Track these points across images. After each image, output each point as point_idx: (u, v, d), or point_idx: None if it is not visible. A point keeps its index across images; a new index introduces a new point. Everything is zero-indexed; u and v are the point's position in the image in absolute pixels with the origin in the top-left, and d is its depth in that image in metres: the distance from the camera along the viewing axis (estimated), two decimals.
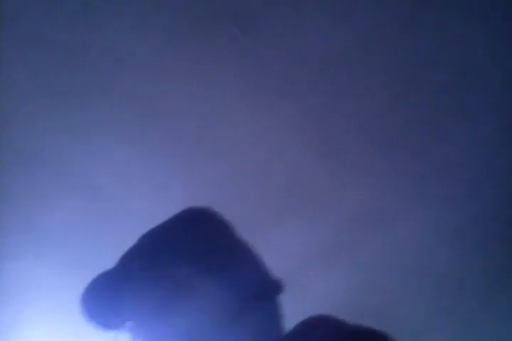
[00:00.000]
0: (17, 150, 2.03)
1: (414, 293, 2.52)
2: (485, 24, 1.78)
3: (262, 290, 1.00)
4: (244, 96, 1.94)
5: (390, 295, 2.49)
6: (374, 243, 2.33)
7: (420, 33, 1.80)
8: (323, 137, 2.05)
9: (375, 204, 2.23)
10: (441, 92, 1.95)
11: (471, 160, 2.11)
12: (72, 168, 2.08)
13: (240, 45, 1.80)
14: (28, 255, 2.30)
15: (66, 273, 2.36)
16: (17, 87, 1.87)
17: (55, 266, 2.34)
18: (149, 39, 1.78)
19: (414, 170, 2.15)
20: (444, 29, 1.79)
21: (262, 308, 0.99)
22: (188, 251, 1.01)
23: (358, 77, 1.90)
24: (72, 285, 2.37)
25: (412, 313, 2.47)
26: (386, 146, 2.08)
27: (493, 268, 2.45)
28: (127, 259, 1.05)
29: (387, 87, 1.93)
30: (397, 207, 2.24)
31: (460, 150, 2.09)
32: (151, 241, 1.05)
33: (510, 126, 2.04)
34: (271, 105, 1.96)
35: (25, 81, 1.86)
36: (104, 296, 1.02)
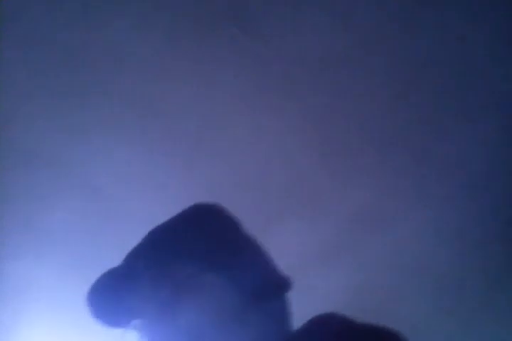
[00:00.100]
0: (17, 150, 2.03)
1: (414, 293, 2.52)
2: (485, 24, 1.78)
3: (270, 288, 1.00)
4: (244, 96, 1.94)
5: (390, 295, 2.49)
6: (374, 243, 2.33)
7: (420, 33, 1.80)
8: (323, 137, 2.05)
9: (375, 204, 2.23)
10: (441, 92, 1.95)
11: (471, 160, 2.11)
12: (72, 168, 2.08)
13: (240, 45, 1.80)
14: (28, 255, 2.30)
15: (66, 273, 2.36)
16: (17, 87, 1.87)
17: (55, 266, 2.34)
18: (149, 39, 1.78)
19: (414, 170, 2.15)
20: (444, 29, 1.79)
21: (269, 306, 0.99)
22: (193, 249, 1.00)
23: (358, 77, 1.90)
24: (72, 285, 2.38)
25: (412, 313, 2.47)
26: (386, 146, 2.08)
27: (493, 268, 2.46)
28: (132, 258, 1.05)
29: (387, 87, 1.93)
30: (397, 207, 2.24)
31: (460, 150, 2.09)
32: (156, 239, 1.05)
33: (510, 126, 2.04)
34: (271, 105, 1.96)
35: (25, 81, 1.86)
36: (110, 295, 1.02)
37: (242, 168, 2.11)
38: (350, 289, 2.40)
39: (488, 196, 2.23)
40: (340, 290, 2.39)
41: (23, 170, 2.07)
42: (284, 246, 2.11)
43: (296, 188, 2.18)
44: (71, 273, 2.34)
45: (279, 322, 1.00)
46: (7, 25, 1.72)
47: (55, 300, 2.46)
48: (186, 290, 0.97)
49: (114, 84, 1.87)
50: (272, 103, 1.96)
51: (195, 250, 1.00)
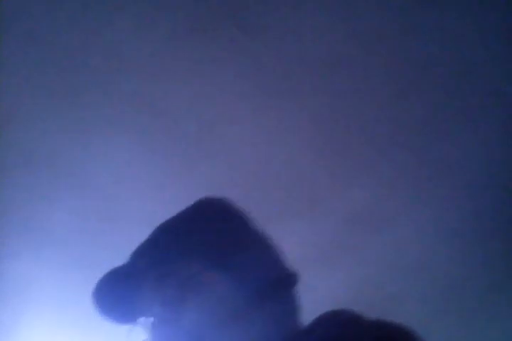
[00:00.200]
0: (17, 150, 2.03)
1: (414, 293, 2.52)
2: (485, 24, 1.78)
3: (276, 283, 0.99)
4: (244, 96, 1.94)
5: (390, 294, 2.49)
6: (374, 243, 2.33)
7: (420, 33, 1.80)
8: (323, 137, 2.05)
9: (375, 204, 2.23)
10: (441, 92, 1.95)
11: (471, 160, 2.12)
12: (72, 168, 2.08)
13: (240, 45, 1.80)
14: (28, 255, 2.30)
15: (66, 273, 2.36)
16: (17, 87, 1.87)
17: (55, 266, 2.34)
18: (149, 39, 1.78)
19: (414, 170, 2.15)
20: (444, 29, 1.79)
21: (276, 301, 0.98)
22: (198, 246, 1.00)
23: (358, 77, 1.90)
24: (71, 285, 2.38)
25: (412, 313, 2.47)
26: (386, 146, 2.08)
27: (493, 267, 2.46)
28: (137, 256, 1.05)
29: (387, 87, 1.93)
30: (397, 207, 2.24)
31: (460, 150, 2.09)
32: (161, 237, 1.05)
33: (510, 126, 2.04)
34: (271, 105, 1.96)
35: (25, 81, 1.86)
36: (115, 292, 1.02)
37: (242, 168, 2.11)
38: (350, 289, 2.40)
39: (488, 196, 2.23)
40: (340, 290, 2.39)
41: (23, 170, 2.07)
42: (283, 246, 2.11)
43: (296, 188, 2.18)
44: (71, 273, 2.34)
45: (288, 318, 0.99)
46: (7, 25, 1.72)
47: (54, 300, 2.46)
48: (190, 289, 0.97)
49: (114, 84, 1.87)
50: (272, 103, 1.96)
51: (200, 247, 1.00)
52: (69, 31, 1.75)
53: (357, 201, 2.21)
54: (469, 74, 1.90)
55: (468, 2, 1.74)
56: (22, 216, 2.19)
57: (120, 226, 2.21)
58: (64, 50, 1.79)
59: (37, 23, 1.73)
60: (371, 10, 1.75)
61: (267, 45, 1.81)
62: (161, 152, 2.06)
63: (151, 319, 0.99)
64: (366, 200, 2.21)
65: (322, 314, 0.96)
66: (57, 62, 1.82)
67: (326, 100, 1.96)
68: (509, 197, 2.24)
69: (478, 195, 2.23)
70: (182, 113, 1.97)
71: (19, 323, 2.52)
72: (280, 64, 1.86)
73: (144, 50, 1.81)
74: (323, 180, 2.16)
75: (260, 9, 1.74)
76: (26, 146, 2.02)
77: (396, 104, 1.98)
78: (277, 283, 0.99)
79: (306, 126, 2.02)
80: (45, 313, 2.50)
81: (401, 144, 2.08)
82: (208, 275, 0.98)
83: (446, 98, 1.97)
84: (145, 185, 2.13)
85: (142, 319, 1.00)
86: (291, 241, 2.23)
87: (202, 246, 1.00)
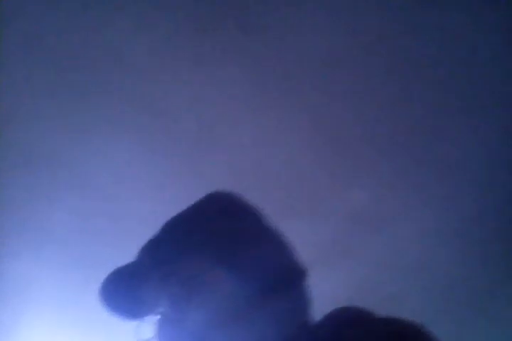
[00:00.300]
0: (17, 150, 2.03)
1: (414, 293, 2.52)
2: (485, 24, 1.78)
3: (284, 278, 0.98)
4: (244, 96, 1.94)
5: (390, 294, 2.49)
6: (374, 243, 2.33)
7: (420, 33, 1.80)
8: (323, 137, 2.05)
9: (375, 204, 2.23)
10: (441, 92, 1.95)
11: (471, 160, 2.11)
12: (72, 168, 2.08)
13: (240, 45, 1.80)
14: (28, 255, 2.30)
15: (66, 273, 2.36)
16: (17, 87, 1.87)
17: (55, 266, 2.34)
18: (149, 39, 1.78)
19: (414, 170, 2.15)
20: (444, 29, 1.79)
21: (284, 297, 0.98)
22: (205, 242, 0.99)
23: (358, 77, 1.90)
24: (71, 285, 2.38)
25: (412, 313, 2.47)
26: (386, 147, 2.08)
27: (493, 268, 2.46)
28: (143, 253, 1.05)
29: (387, 87, 1.93)
30: (397, 207, 2.24)
31: (460, 150, 2.09)
32: (168, 234, 1.04)
33: (510, 126, 2.04)
34: (271, 105, 1.96)
35: (25, 81, 1.86)
36: (121, 290, 1.02)
37: (242, 168, 2.11)
38: (350, 289, 2.40)
39: (488, 196, 2.23)
40: (340, 290, 2.39)
41: (23, 170, 2.07)
42: None
43: (296, 188, 2.18)
44: (71, 273, 2.34)
45: (293, 316, 0.99)
46: (7, 25, 1.72)
47: (54, 300, 2.46)
48: (195, 288, 0.97)
49: (114, 84, 1.87)
50: (272, 103, 1.96)
51: (206, 243, 0.99)
52: (69, 31, 1.75)
53: (357, 201, 2.21)
54: (469, 74, 1.90)
55: (468, 2, 1.74)
56: (22, 216, 2.19)
57: (120, 226, 2.21)
58: (64, 49, 1.79)
59: (37, 23, 1.73)
60: (371, 10, 1.75)
61: (267, 45, 1.81)
62: (161, 152, 2.06)
63: (157, 317, 0.99)
64: (366, 200, 2.21)
65: (332, 310, 0.96)
66: (57, 62, 1.82)
67: (326, 100, 1.96)
68: (509, 197, 2.24)
69: (478, 195, 2.23)
70: (182, 113, 1.97)
71: (19, 323, 2.52)
72: (280, 64, 1.86)
73: (144, 50, 1.81)
74: (323, 180, 2.16)
75: (260, 9, 1.74)
76: (26, 146, 2.02)
77: (396, 104, 1.98)
78: (287, 278, 0.98)
79: (306, 126, 2.02)
80: (45, 313, 2.50)
81: (401, 144, 2.08)
82: (213, 274, 0.97)
83: (446, 98, 1.97)
84: (145, 185, 2.13)
85: (149, 317, 1.00)
86: (291, 241, 2.23)
87: (208, 241, 0.99)
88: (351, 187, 2.18)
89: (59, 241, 2.26)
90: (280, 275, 0.98)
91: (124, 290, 1.02)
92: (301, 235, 2.27)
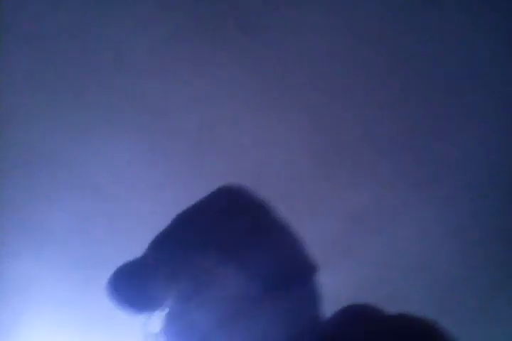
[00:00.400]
0: (17, 150, 2.03)
1: (414, 293, 2.52)
2: (485, 24, 1.78)
3: (293, 273, 0.98)
4: (244, 96, 1.94)
5: (390, 295, 2.49)
6: (374, 243, 2.33)
7: (421, 33, 1.80)
8: (323, 137, 2.05)
9: (375, 204, 2.23)
10: (441, 92, 1.95)
11: (471, 160, 2.11)
12: (72, 168, 2.07)
13: (240, 45, 1.80)
14: (28, 255, 2.30)
15: (66, 273, 2.36)
16: (17, 87, 1.87)
17: (55, 266, 2.33)
18: (149, 39, 1.78)
19: (414, 170, 2.15)
20: (444, 29, 1.79)
21: (294, 292, 0.97)
22: (215, 237, 0.99)
23: (358, 77, 1.90)
24: (71, 285, 2.38)
25: (412, 313, 2.47)
26: (386, 147, 2.08)
27: (494, 267, 2.45)
28: (152, 247, 1.04)
29: (387, 87, 1.93)
30: (397, 207, 2.24)
31: (460, 151, 2.09)
32: (177, 228, 1.04)
33: (510, 126, 2.04)
34: (270, 105, 1.96)
35: (25, 81, 1.86)
36: (130, 284, 1.02)
37: (242, 168, 2.11)
38: (350, 289, 2.39)
39: (488, 196, 2.23)
40: (340, 289, 2.38)
41: (23, 170, 2.07)
42: None
43: (296, 188, 2.18)
44: (71, 273, 2.34)
45: (308, 309, 0.98)
46: (7, 25, 1.72)
47: (54, 300, 2.46)
48: (203, 284, 0.96)
49: (114, 84, 1.87)
50: (272, 103, 1.96)
51: (216, 239, 0.99)
52: (69, 31, 1.75)
53: (357, 201, 2.20)
54: (469, 74, 1.90)
55: (468, 2, 1.74)
56: (22, 216, 2.19)
57: (120, 226, 2.20)
58: (64, 49, 1.79)
59: (37, 23, 1.73)
60: (371, 10, 1.75)
61: (267, 45, 1.81)
62: (161, 152, 2.06)
63: (164, 313, 0.99)
64: (366, 200, 2.21)
65: (344, 307, 0.96)
66: (57, 62, 1.82)
67: (326, 100, 1.96)
68: (509, 197, 2.24)
69: (478, 195, 2.23)
70: (182, 113, 1.97)
71: (19, 323, 2.52)
72: (280, 64, 1.86)
73: (144, 49, 1.81)
74: (323, 180, 2.16)
75: (260, 9, 1.74)
76: (26, 146, 2.02)
77: (396, 104, 1.98)
78: (299, 272, 0.98)
79: (306, 126, 2.02)
80: (45, 313, 2.50)
81: (401, 144, 2.08)
82: (222, 270, 0.97)
83: (446, 98, 1.96)
84: (145, 185, 2.13)
85: (156, 312, 1.00)
86: None
87: (218, 239, 0.99)
88: (351, 187, 2.18)
89: (59, 241, 2.26)
90: (291, 270, 0.97)
91: (133, 285, 1.01)
92: (301, 235, 2.27)
